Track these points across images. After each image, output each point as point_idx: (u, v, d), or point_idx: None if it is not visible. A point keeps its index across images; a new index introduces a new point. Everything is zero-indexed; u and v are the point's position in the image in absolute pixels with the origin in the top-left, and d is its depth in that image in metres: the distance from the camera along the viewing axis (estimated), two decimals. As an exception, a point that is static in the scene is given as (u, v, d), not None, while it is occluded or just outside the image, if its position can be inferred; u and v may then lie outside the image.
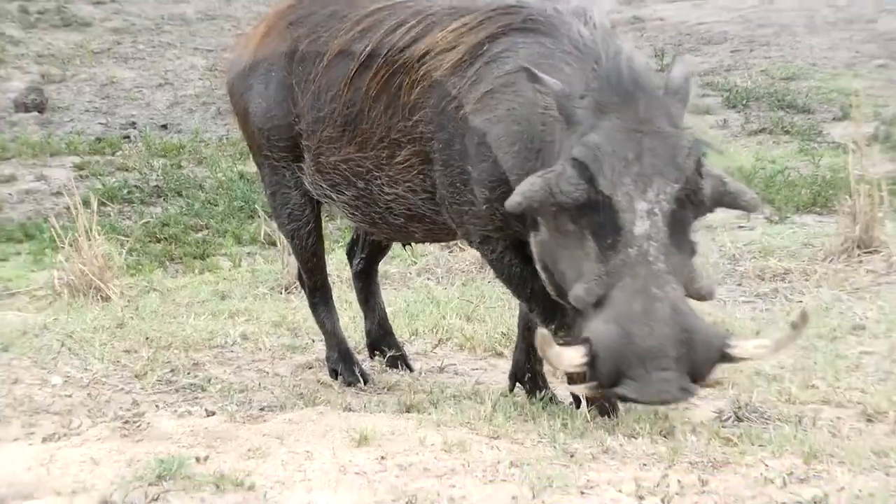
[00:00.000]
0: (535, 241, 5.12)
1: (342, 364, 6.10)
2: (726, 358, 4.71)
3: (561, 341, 4.89)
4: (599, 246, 4.76)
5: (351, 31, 5.67)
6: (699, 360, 4.64)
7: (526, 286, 5.37)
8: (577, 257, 4.86)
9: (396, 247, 7.11)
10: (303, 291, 6.39)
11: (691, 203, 4.82)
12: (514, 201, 4.98)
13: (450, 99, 5.30)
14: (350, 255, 6.70)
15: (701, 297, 4.81)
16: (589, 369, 4.70)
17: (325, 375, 5.77)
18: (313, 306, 6.23)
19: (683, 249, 4.80)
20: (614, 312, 4.68)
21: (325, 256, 6.19)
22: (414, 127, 5.40)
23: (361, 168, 5.61)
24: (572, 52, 5.06)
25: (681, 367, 4.60)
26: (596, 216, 4.78)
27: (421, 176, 5.48)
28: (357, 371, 6.09)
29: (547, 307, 5.27)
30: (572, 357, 4.73)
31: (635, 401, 4.68)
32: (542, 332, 4.82)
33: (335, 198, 5.84)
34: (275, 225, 8.55)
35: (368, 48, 5.59)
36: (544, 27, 5.19)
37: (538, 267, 5.14)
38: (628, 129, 4.81)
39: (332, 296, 6.27)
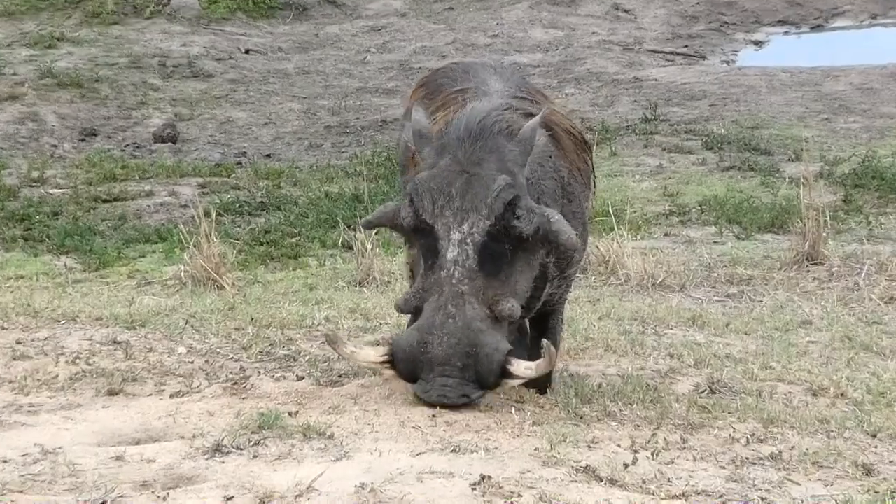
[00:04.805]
0: (407, 254, 5.05)
1: None
2: (506, 373, 4.46)
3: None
4: (425, 265, 4.58)
5: (437, 100, 5.57)
6: (482, 371, 4.41)
7: None
8: (417, 271, 4.71)
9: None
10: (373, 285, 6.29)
11: (508, 237, 4.54)
12: (364, 220, 4.98)
13: None
14: None
15: (503, 318, 4.51)
16: (393, 367, 4.54)
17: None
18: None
19: (496, 275, 4.53)
20: (419, 323, 4.50)
21: None
22: None
23: None
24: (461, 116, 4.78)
25: (465, 375, 4.40)
26: (424, 240, 4.60)
27: None
28: None
29: None
30: (369, 355, 4.63)
31: (422, 399, 4.46)
32: (332, 334, 4.73)
33: None
34: (352, 233, 8.61)
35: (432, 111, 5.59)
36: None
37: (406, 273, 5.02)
38: (457, 169, 4.58)
39: None
